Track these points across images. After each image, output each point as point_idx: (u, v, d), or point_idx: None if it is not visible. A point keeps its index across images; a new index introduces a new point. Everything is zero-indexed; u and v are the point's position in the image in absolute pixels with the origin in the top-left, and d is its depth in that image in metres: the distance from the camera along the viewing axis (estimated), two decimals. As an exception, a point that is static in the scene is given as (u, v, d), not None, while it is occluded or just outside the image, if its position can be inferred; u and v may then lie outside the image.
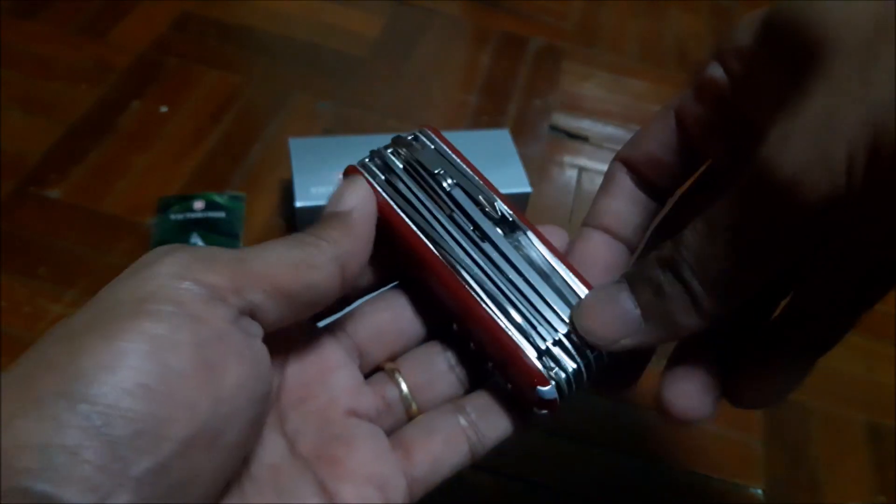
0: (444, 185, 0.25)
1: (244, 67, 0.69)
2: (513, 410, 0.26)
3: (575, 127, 0.70)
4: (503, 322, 0.24)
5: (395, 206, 0.25)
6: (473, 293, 0.24)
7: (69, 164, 0.58)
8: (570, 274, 0.25)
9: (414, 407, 0.26)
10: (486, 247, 0.25)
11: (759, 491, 0.46)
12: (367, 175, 0.26)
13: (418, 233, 0.24)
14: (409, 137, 0.27)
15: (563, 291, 0.25)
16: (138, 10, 0.72)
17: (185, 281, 0.17)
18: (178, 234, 0.53)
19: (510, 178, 0.55)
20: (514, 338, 0.24)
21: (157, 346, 0.16)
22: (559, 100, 0.72)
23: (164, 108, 0.64)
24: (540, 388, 0.24)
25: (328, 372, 0.24)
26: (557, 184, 0.64)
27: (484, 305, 0.24)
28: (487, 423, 0.25)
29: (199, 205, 0.55)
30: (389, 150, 0.26)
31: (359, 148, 0.57)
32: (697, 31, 0.84)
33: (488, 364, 0.26)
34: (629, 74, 0.76)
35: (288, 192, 0.58)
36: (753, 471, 0.47)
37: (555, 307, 0.24)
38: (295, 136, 0.56)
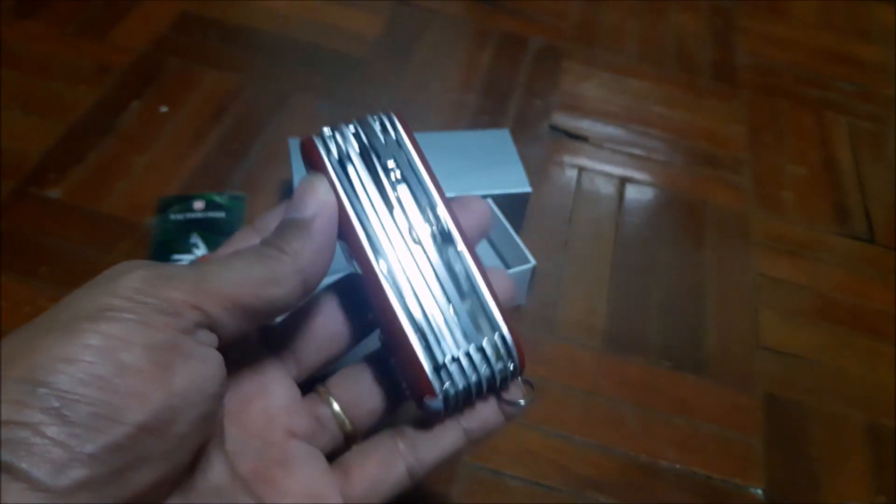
0: (392, 179, 0.25)
1: (244, 67, 0.69)
2: (452, 431, 0.26)
3: (575, 127, 0.70)
4: (409, 327, 0.24)
5: (339, 189, 0.24)
6: (390, 291, 0.24)
7: (69, 164, 0.58)
8: (489, 298, 0.25)
9: (348, 424, 0.27)
10: (416, 250, 0.24)
11: (759, 491, 0.46)
12: (321, 148, 0.25)
13: (355, 221, 0.24)
14: (374, 121, 0.26)
15: (476, 313, 0.24)
16: (138, 10, 0.72)
17: (144, 296, 0.19)
18: (178, 234, 0.53)
19: (510, 178, 0.55)
20: (415, 346, 0.24)
21: (111, 344, 0.18)
22: (559, 100, 0.72)
23: (163, 108, 0.64)
24: (427, 399, 0.24)
25: (266, 387, 0.25)
26: (557, 184, 0.64)
27: (397, 306, 0.24)
28: (426, 445, 0.26)
29: (199, 205, 0.55)
30: (351, 129, 0.26)
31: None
32: (697, 31, 0.84)
33: (391, 359, 0.26)
34: (629, 74, 0.76)
35: (288, 192, 0.58)
36: (753, 471, 0.47)
37: (464, 326, 0.24)
38: (295, 136, 0.56)
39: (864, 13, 0.91)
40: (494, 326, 0.24)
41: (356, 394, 0.27)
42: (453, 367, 0.24)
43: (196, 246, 0.53)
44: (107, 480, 0.17)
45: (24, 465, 0.16)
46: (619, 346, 0.53)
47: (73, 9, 0.71)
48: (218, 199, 0.56)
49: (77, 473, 0.16)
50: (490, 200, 0.54)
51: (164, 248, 0.52)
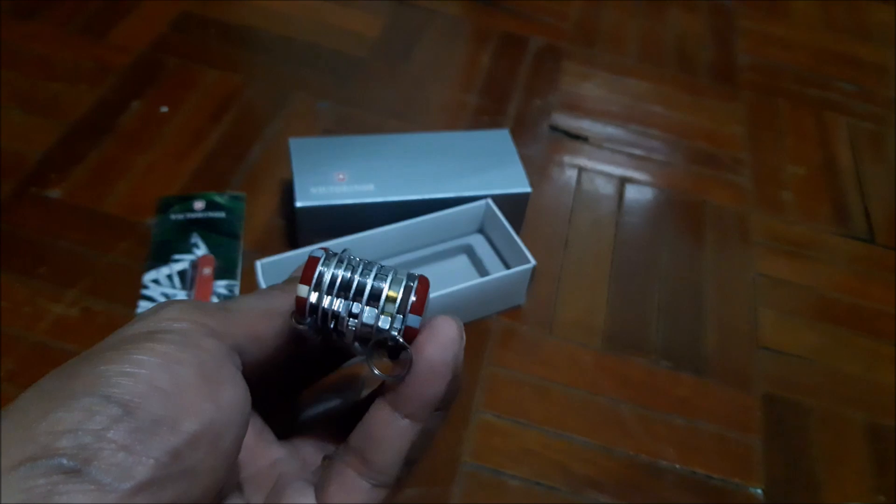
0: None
1: (244, 67, 0.69)
2: (384, 419, 0.24)
3: (575, 127, 0.70)
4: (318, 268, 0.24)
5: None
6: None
7: (69, 164, 0.58)
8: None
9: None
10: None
11: (759, 490, 0.46)
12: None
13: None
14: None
15: (391, 279, 0.23)
16: (138, 10, 0.73)
17: (185, 322, 0.21)
18: (179, 234, 0.53)
19: (510, 178, 0.55)
20: (313, 265, 0.24)
21: (166, 360, 0.19)
22: (559, 100, 0.72)
23: (164, 109, 0.64)
24: (301, 286, 0.23)
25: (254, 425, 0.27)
26: (557, 184, 0.64)
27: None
28: (373, 451, 0.25)
29: (199, 205, 0.55)
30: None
31: (359, 148, 0.58)
32: (697, 31, 0.84)
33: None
34: (629, 74, 0.76)
35: (288, 192, 0.58)
36: (753, 470, 0.47)
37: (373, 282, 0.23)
38: (295, 136, 0.56)
39: (864, 13, 0.91)
40: (400, 291, 0.23)
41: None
42: (331, 297, 0.23)
43: (196, 246, 0.53)
44: (166, 485, 0.18)
45: (90, 469, 0.17)
46: (618, 345, 0.53)
47: (73, 9, 0.71)
48: (218, 199, 0.56)
49: (141, 475, 0.17)
50: (490, 201, 0.54)
51: (164, 248, 0.52)
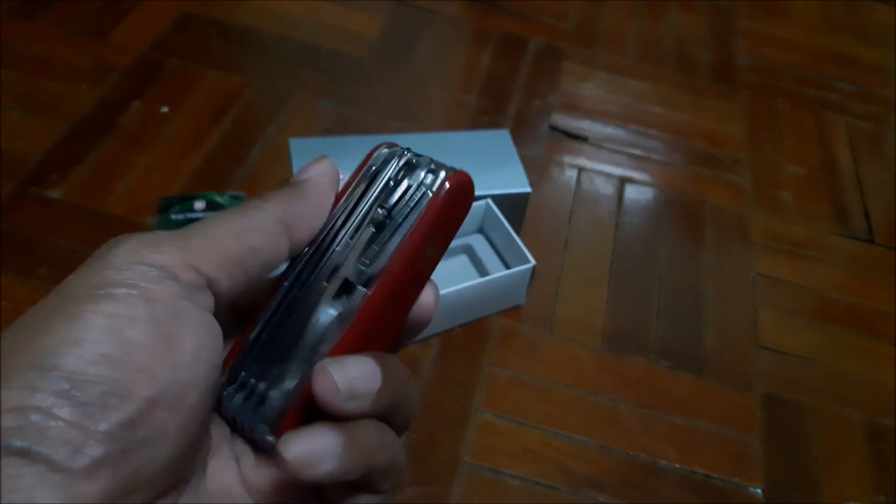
0: (377, 215, 0.23)
1: (244, 68, 0.69)
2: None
3: (575, 127, 0.70)
4: (256, 328, 0.22)
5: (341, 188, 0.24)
6: (279, 289, 0.22)
7: (70, 164, 0.58)
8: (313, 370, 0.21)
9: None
10: (321, 273, 0.22)
11: (759, 490, 0.46)
12: (373, 156, 0.25)
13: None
14: (425, 172, 0.23)
15: (303, 361, 0.22)
16: (139, 10, 0.73)
17: (136, 265, 0.19)
18: (179, 234, 0.53)
19: (510, 178, 0.55)
20: (241, 345, 0.22)
21: (114, 323, 0.18)
22: (559, 100, 0.72)
23: (164, 109, 0.64)
24: (223, 384, 0.22)
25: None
26: (557, 184, 0.64)
27: (271, 303, 0.22)
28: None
29: (199, 205, 0.56)
30: (402, 161, 0.24)
31: (359, 148, 0.57)
32: (697, 32, 0.84)
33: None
34: (629, 74, 0.76)
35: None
36: (753, 470, 0.47)
37: (275, 365, 0.22)
38: (295, 137, 0.56)
39: (864, 14, 0.91)
40: (282, 392, 0.22)
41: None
42: (242, 391, 0.22)
43: (196, 246, 0.53)
44: (124, 457, 0.17)
45: (40, 449, 0.16)
46: (618, 345, 0.53)
47: (74, 9, 0.71)
48: (219, 199, 0.56)
49: (94, 452, 0.16)
50: (490, 201, 0.54)
51: (164, 248, 0.52)
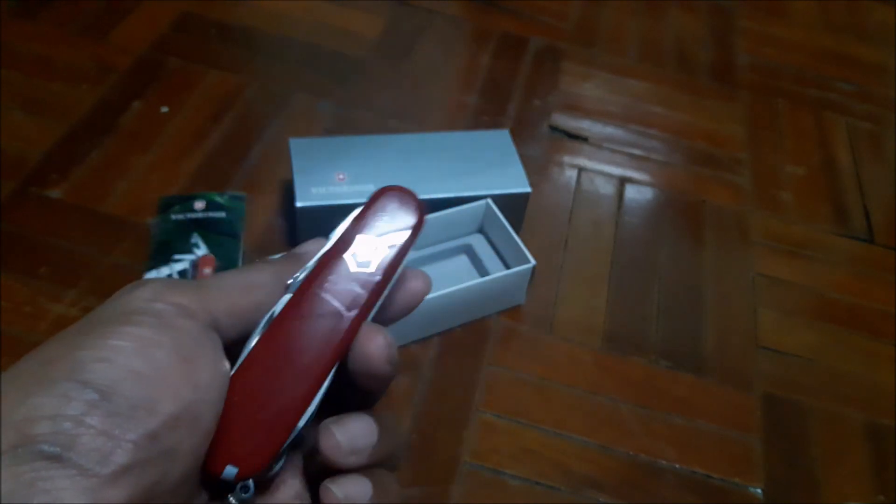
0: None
1: (244, 68, 0.69)
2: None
3: (574, 127, 0.70)
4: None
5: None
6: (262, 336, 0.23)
7: (70, 164, 0.58)
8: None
9: None
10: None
11: (759, 490, 0.46)
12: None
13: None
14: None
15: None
16: (139, 10, 0.73)
17: (160, 302, 0.21)
18: (179, 234, 0.53)
19: (510, 178, 0.55)
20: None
21: (143, 345, 0.19)
22: (559, 100, 0.72)
23: (164, 109, 0.64)
24: (230, 466, 0.22)
25: None
26: (557, 184, 0.64)
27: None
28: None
29: (199, 205, 0.56)
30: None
31: (359, 148, 0.58)
32: (697, 32, 0.84)
33: None
34: (629, 74, 0.76)
35: (288, 193, 0.58)
36: (753, 470, 0.47)
37: None
38: (295, 137, 0.56)
39: (863, 13, 0.91)
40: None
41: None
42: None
43: (197, 246, 0.53)
44: (147, 467, 0.18)
45: (71, 455, 0.17)
46: (618, 345, 0.53)
47: (74, 9, 0.71)
48: (219, 199, 0.56)
49: (121, 459, 0.17)
50: (490, 201, 0.54)
51: (164, 247, 0.52)
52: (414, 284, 0.26)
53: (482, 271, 0.54)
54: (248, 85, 0.67)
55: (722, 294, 0.57)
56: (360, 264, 0.25)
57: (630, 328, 0.54)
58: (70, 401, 0.17)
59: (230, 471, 0.22)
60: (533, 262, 0.50)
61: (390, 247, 0.25)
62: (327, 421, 0.23)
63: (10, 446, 0.17)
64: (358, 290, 0.24)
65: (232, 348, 0.23)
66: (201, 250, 0.53)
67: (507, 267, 0.54)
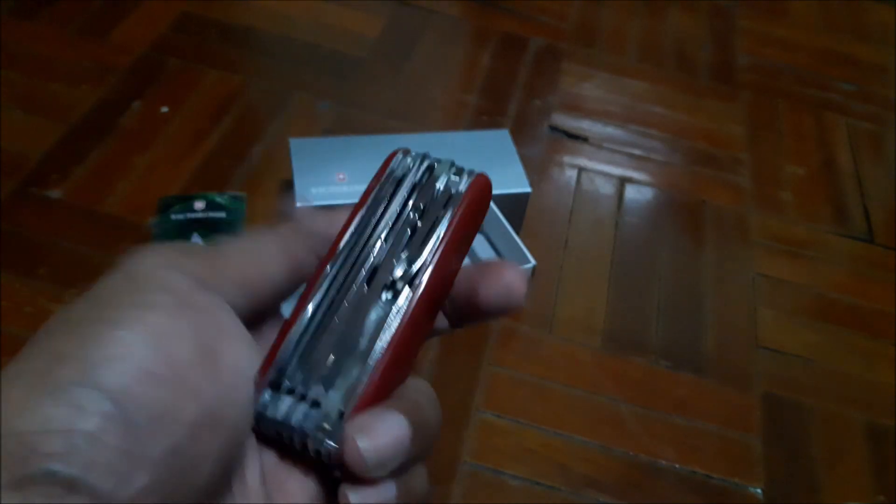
0: (409, 218, 0.23)
1: (244, 68, 0.69)
2: None
3: (574, 127, 0.70)
4: (297, 328, 0.21)
5: (368, 199, 0.24)
6: (316, 293, 0.22)
7: (70, 164, 0.58)
8: (371, 372, 0.21)
9: None
10: (360, 276, 0.23)
11: (759, 490, 0.46)
12: (391, 163, 0.25)
13: (347, 230, 0.23)
14: (450, 171, 0.24)
15: (347, 374, 0.21)
16: (139, 10, 0.73)
17: (175, 272, 0.18)
18: (179, 234, 0.53)
19: (510, 178, 0.55)
20: (286, 340, 0.21)
21: (158, 335, 0.17)
22: (559, 100, 0.72)
23: (164, 109, 0.64)
24: (263, 392, 0.21)
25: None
26: (557, 184, 0.64)
27: (307, 305, 0.22)
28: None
29: (199, 205, 0.56)
30: (426, 164, 0.24)
31: (359, 148, 0.58)
32: (697, 32, 0.84)
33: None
34: (629, 75, 0.76)
35: (289, 193, 0.58)
36: (753, 470, 0.47)
37: (326, 374, 0.21)
38: (295, 137, 0.56)
39: (863, 14, 0.91)
40: (347, 398, 0.21)
41: None
42: (284, 396, 0.21)
43: (197, 246, 0.53)
44: (167, 483, 0.16)
45: (88, 478, 0.15)
46: (618, 345, 0.53)
47: (74, 9, 0.71)
48: (219, 199, 0.56)
49: (141, 481, 0.16)
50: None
51: (164, 248, 0.52)
52: (509, 276, 0.22)
53: (482, 271, 0.54)
54: (248, 85, 0.67)
55: (722, 294, 0.57)
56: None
57: (630, 328, 0.54)
58: (83, 411, 0.15)
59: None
60: (533, 262, 0.50)
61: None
62: (350, 424, 0.19)
63: (16, 464, 0.15)
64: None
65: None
66: (201, 250, 0.53)
67: (507, 267, 0.54)
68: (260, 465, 0.21)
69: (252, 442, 0.21)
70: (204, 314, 0.18)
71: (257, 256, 0.21)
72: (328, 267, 0.22)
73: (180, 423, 0.16)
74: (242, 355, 0.19)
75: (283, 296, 0.22)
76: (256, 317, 0.21)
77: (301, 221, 0.23)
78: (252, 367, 0.19)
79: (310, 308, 0.22)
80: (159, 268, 0.18)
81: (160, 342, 0.17)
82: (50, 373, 0.16)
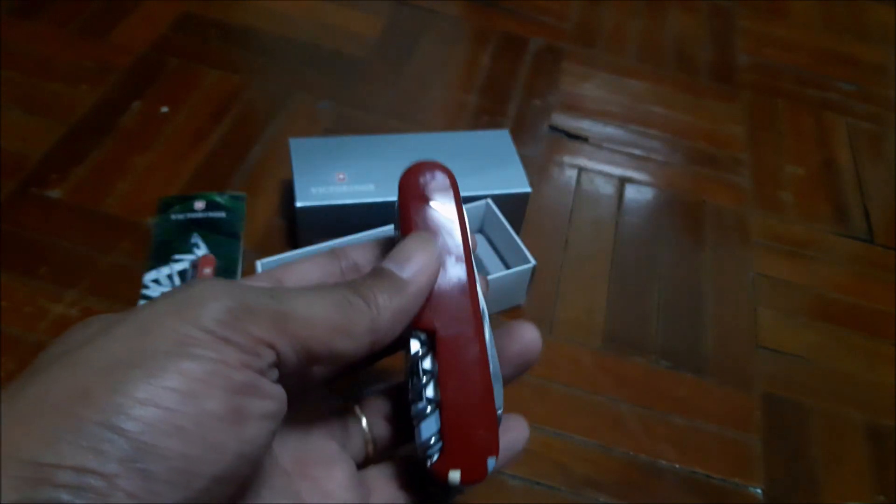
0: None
1: (244, 67, 0.69)
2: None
3: (574, 127, 0.70)
4: (494, 398, 0.22)
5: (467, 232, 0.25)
6: (488, 355, 0.23)
7: (70, 164, 0.58)
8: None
9: (371, 444, 0.27)
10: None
11: (759, 490, 0.46)
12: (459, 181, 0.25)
13: (470, 273, 0.24)
14: None
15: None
16: (139, 10, 0.73)
17: (226, 331, 0.18)
18: (179, 234, 0.53)
19: (510, 178, 0.55)
20: (494, 393, 0.22)
21: (193, 388, 0.17)
22: (559, 100, 0.72)
23: (164, 109, 0.64)
24: (491, 458, 0.22)
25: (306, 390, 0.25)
26: (557, 184, 0.64)
27: (485, 340, 0.23)
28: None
29: (199, 205, 0.56)
30: None
31: (359, 148, 0.58)
32: (697, 32, 0.84)
33: (421, 406, 0.24)
34: (629, 74, 0.76)
35: (288, 192, 0.58)
36: (753, 470, 0.47)
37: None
38: (295, 136, 0.56)
39: (863, 13, 0.91)
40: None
41: (382, 420, 0.27)
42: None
43: (197, 246, 0.53)
44: None
45: None
46: (618, 345, 0.53)
47: (74, 9, 0.71)
48: (219, 199, 0.56)
49: None
50: (490, 201, 0.54)
51: (164, 248, 0.52)
52: (527, 335, 0.25)
53: (482, 271, 0.54)
54: (248, 85, 0.67)
55: (722, 294, 0.57)
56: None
57: (630, 328, 0.54)
58: (102, 454, 0.15)
59: (454, 476, 0.22)
60: (533, 262, 0.50)
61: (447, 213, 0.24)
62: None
63: (27, 486, 0.15)
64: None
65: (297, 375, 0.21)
66: (201, 250, 0.53)
67: (508, 267, 0.54)
68: (272, 461, 0.22)
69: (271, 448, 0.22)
70: (241, 376, 0.18)
71: (334, 328, 0.20)
72: (484, 329, 0.24)
73: (200, 478, 0.17)
74: (269, 413, 0.19)
75: (347, 364, 0.22)
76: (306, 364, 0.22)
77: (403, 297, 0.23)
78: (276, 421, 0.19)
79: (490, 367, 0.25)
80: (215, 322, 0.18)
81: (190, 395, 0.17)
82: (78, 411, 0.16)
